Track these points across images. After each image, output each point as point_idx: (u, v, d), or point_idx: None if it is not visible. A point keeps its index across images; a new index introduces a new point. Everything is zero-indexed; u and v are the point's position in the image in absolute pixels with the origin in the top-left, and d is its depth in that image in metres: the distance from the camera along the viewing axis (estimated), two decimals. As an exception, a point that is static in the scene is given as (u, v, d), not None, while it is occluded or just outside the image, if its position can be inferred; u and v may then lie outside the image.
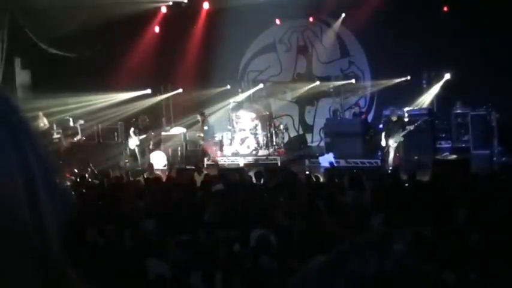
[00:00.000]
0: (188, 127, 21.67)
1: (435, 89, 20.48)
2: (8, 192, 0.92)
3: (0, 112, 0.97)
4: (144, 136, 19.98)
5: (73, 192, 11.83)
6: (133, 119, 20.77)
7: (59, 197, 1.01)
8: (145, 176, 15.40)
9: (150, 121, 20.61)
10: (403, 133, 17.23)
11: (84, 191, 12.96)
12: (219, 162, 19.67)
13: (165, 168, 19.50)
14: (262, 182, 13.23)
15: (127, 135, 20.36)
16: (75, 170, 16.39)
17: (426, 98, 20.56)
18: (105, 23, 19.51)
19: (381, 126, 19.13)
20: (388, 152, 17.56)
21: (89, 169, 16.67)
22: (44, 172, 0.99)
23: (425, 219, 7.89)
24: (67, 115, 20.22)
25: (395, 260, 1.23)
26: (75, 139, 19.80)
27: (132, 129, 20.19)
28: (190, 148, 20.78)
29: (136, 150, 20.05)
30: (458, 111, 19.07)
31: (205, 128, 20.01)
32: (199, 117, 20.26)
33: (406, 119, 17.98)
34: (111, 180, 14.45)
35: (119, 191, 12.63)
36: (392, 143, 17.28)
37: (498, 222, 7.68)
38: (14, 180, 0.93)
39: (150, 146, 20.54)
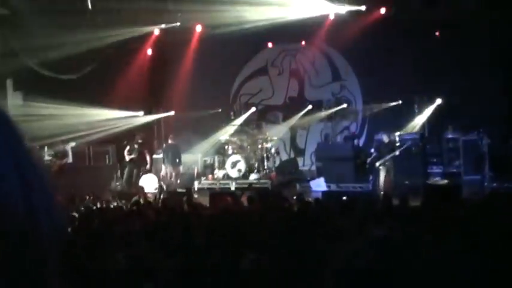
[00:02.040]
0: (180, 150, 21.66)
1: (426, 113, 20.57)
2: (2, 193, 0.94)
3: None
4: (133, 156, 19.99)
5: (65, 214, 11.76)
6: (125, 141, 20.71)
7: (54, 209, 1.03)
8: (136, 199, 15.31)
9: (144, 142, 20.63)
10: (389, 156, 17.23)
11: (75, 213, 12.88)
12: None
13: (156, 191, 19.40)
14: (253, 206, 13.17)
15: (120, 157, 20.37)
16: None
17: (417, 123, 20.64)
18: (97, 45, 19.60)
19: (372, 150, 19.18)
20: (378, 176, 17.58)
21: (89, 196, 16.29)
22: (38, 177, 1.02)
23: (413, 244, 7.86)
24: (58, 137, 20.05)
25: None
26: (65, 161, 19.65)
27: (127, 147, 20.22)
28: (181, 171, 20.76)
29: (126, 170, 20.04)
30: (450, 136, 19.16)
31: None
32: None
33: (397, 144, 17.99)
34: (102, 203, 14.39)
35: (111, 213, 12.57)
36: (379, 165, 17.27)
37: (490, 248, 7.66)
38: (9, 180, 0.96)
39: (147, 166, 20.47)
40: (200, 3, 19.39)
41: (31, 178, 1.00)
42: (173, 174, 20.44)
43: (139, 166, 20.35)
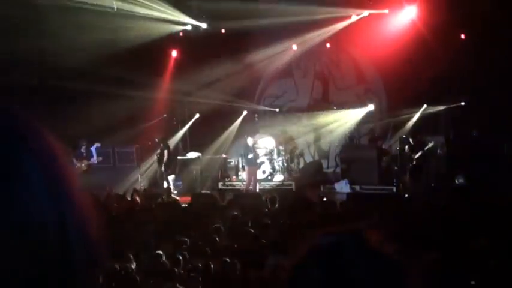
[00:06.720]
0: (204, 151, 21.68)
1: (451, 116, 20.43)
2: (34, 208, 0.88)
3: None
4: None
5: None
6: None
7: (89, 241, 0.97)
8: (163, 199, 15.41)
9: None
10: (416, 156, 17.30)
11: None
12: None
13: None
14: (276, 207, 13.18)
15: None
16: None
17: (442, 125, 20.51)
18: (122, 47, 19.52)
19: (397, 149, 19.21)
20: (403, 178, 17.58)
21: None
22: (75, 205, 0.96)
23: (440, 246, 7.84)
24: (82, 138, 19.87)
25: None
26: (90, 162, 19.54)
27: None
28: (205, 172, 20.76)
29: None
30: (474, 138, 19.02)
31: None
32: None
33: (425, 146, 17.96)
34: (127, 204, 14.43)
35: (133, 215, 12.65)
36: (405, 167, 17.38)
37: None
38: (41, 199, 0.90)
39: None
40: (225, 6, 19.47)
41: (65, 202, 0.93)
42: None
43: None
